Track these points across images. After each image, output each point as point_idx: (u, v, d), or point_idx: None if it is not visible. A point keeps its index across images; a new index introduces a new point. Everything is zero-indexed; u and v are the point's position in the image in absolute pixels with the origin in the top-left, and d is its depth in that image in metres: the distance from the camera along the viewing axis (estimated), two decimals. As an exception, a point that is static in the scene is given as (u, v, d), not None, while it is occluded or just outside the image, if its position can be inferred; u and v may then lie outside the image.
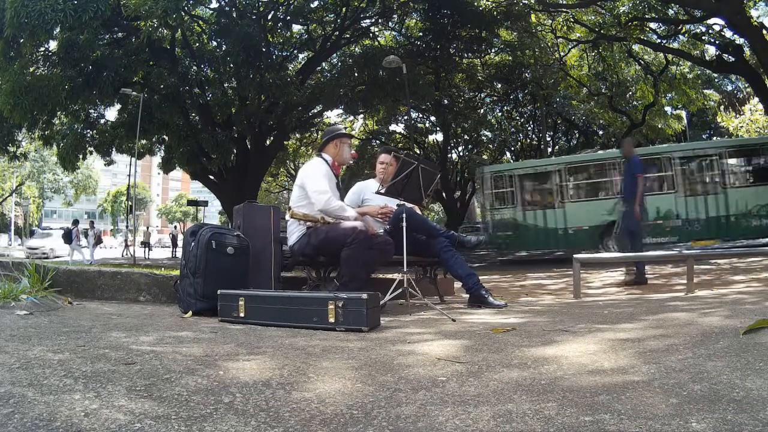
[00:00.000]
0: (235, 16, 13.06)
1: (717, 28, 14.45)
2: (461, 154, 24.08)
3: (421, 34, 15.97)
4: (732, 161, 11.12)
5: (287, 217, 3.37)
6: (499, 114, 22.96)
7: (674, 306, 2.94)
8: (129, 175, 21.12)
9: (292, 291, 2.96)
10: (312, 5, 14.81)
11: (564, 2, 14.89)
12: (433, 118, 21.36)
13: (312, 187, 3.19)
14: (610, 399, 1.19)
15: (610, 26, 14.91)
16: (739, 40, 13.66)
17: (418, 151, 20.97)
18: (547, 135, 22.24)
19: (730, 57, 14.04)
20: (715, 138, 22.88)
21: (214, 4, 14.31)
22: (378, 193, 3.26)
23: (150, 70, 12.75)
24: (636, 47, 17.18)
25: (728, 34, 13.85)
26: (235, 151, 14.72)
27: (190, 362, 1.54)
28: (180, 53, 14.01)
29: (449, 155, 23.32)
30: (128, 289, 3.37)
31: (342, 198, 3.50)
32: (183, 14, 11.67)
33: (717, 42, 14.39)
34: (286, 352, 1.80)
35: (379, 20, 15.76)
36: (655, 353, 1.65)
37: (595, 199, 11.66)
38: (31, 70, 12.24)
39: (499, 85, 20.22)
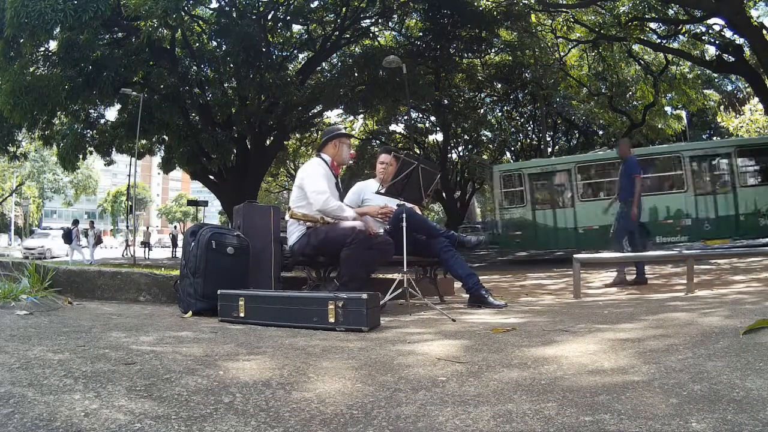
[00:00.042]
0: (235, 16, 13.06)
1: (717, 28, 14.46)
2: (461, 154, 24.09)
3: (421, 34, 15.97)
4: (743, 160, 11.10)
5: (287, 217, 3.37)
6: (499, 114, 22.97)
7: (674, 306, 2.94)
8: (129, 175, 21.11)
9: (292, 291, 2.96)
10: (312, 5, 14.82)
11: (564, 2, 14.89)
12: (433, 118, 21.36)
13: (310, 188, 3.19)
14: (610, 399, 1.19)
15: (610, 26, 14.91)
16: (739, 40, 13.66)
17: (418, 151, 20.96)
18: (547, 135, 22.24)
19: (730, 57, 14.04)
20: (715, 138, 22.90)
21: (214, 4, 14.34)
22: (378, 193, 3.26)
23: (150, 70, 12.75)
24: (636, 47, 17.18)
25: (728, 34, 13.86)
26: (235, 151, 14.73)
27: (190, 362, 1.54)
28: (180, 53, 14.01)
29: (449, 155, 23.32)
30: (128, 289, 3.37)
31: (342, 198, 3.50)
32: (183, 14, 11.67)
33: (717, 42, 14.39)
34: (286, 352, 1.80)
35: (379, 20, 15.76)
36: (655, 353, 1.65)
37: (608, 198, 11.69)
38: (31, 70, 12.24)
39: (499, 85, 20.23)
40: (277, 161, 20.39)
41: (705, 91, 20.63)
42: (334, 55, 16.23)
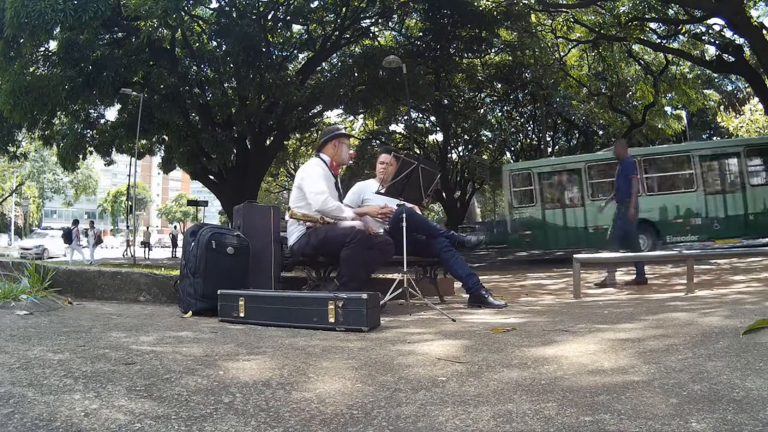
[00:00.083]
0: (235, 16, 13.06)
1: (717, 28, 14.46)
2: (461, 154, 24.08)
3: (421, 34, 15.98)
4: (753, 159, 11.07)
5: (287, 217, 3.37)
6: (499, 114, 22.97)
7: (674, 306, 2.94)
8: (129, 175, 21.09)
9: (292, 291, 2.96)
10: (312, 5, 14.82)
11: (564, 2, 14.89)
12: (433, 118, 21.37)
13: (309, 188, 3.19)
14: (610, 399, 1.19)
15: (610, 26, 14.91)
16: (739, 40, 13.66)
17: (418, 151, 20.96)
18: (547, 135, 22.24)
19: (730, 57, 14.04)
20: (715, 138, 22.90)
21: (214, 4, 14.34)
22: (378, 193, 3.26)
23: (150, 70, 12.75)
24: (636, 47, 17.18)
25: (728, 34, 13.86)
26: (235, 151, 14.73)
27: (190, 362, 1.54)
28: (180, 53, 14.01)
29: (449, 155, 23.32)
30: (128, 289, 3.37)
31: (341, 198, 3.50)
32: (183, 14, 11.67)
33: (717, 42, 14.39)
34: (286, 352, 1.80)
35: (379, 20, 15.76)
36: (655, 353, 1.65)
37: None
38: (31, 70, 12.24)
39: (499, 85, 20.23)
40: (277, 161, 20.40)
41: (705, 91, 20.63)
42: (334, 55, 16.24)
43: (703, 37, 14.96)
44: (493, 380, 1.41)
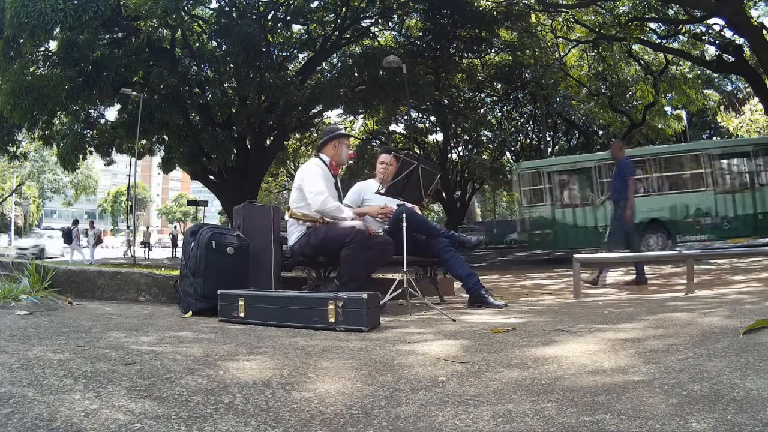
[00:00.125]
0: (235, 16, 13.07)
1: (717, 28, 14.46)
2: (461, 154, 24.08)
3: (421, 34, 15.98)
4: (763, 159, 11.04)
5: (287, 217, 3.37)
6: (499, 114, 22.97)
7: (674, 306, 2.94)
8: (129, 175, 21.10)
9: (292, 291, 2.96)
10: (312, 5, 14.83)
11: (564, 2, 14.89)
12: (433, 118, 21.37)
13: (309, 188, 3.19)
14: (610, 399, 1.19)
15: (610, 26, 14.91)
16: (739, 40, 13.66)
17: (418, 151, 20.96)
18: (547, 135, 22.24)
19: (730, 57, 14.04)
20: (715, 138, 22.89)
21: (214, 4, 14.35)
22: (378, 193, 3.26)
23: (150, 70, 12.76)
24: (636, 47, 17.18)
25: (728, 34, 13.86)
26: (235, 151, 14.73)
27: (190, 362, 1.54)
28: (180, 53, 14.02)
29: (449, 155, 23.32)
30: (128, 289, 3.37)
31: (341, 198, 3.50)
32: (183, 14, 11.68)
33: (717, 42, 14.39)
34: (286, 352, 1.80)
35: (379, 20, 15.77)
36: (655, 353, 1.65)
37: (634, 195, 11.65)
38: (31, 70, 12.25)
39: (499, 85, 20.23)
40: (277, 161, 20.40)
41: (705, 91, 20.64)
42: (334, 55, 16.24)
43: (703, 37, 14.96)
44: (493, 380, 1.41)
